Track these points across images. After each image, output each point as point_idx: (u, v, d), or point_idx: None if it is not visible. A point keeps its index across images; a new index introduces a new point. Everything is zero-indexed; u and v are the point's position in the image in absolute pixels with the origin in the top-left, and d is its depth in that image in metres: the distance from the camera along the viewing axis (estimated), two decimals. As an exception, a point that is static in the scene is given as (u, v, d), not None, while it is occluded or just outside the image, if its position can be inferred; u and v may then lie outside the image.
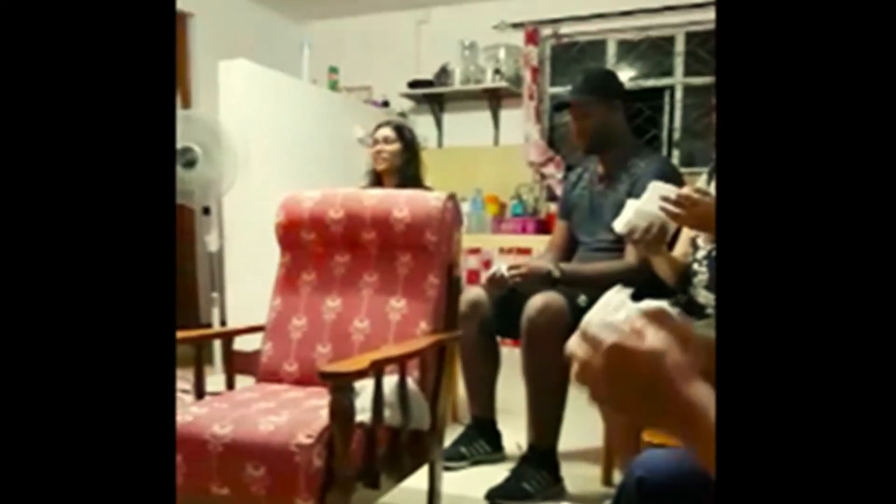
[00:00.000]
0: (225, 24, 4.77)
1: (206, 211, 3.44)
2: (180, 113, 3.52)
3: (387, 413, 1.55)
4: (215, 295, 3.50)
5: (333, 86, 4.95)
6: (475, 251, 4.55)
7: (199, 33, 4.65)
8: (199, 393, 1.85)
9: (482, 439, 2.44)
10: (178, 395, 1.90)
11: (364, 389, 1.49)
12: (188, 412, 1.47)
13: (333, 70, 5.00)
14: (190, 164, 3.20)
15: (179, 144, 3.19)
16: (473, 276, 4.52)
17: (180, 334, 1.90)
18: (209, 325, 3.48)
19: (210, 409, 1.52)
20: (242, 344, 2.03)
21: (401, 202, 1.93)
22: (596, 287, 2.13)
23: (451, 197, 1.96)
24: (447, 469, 2.16)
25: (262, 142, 3.70)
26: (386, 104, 5.10)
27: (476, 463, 2.40)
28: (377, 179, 2.93)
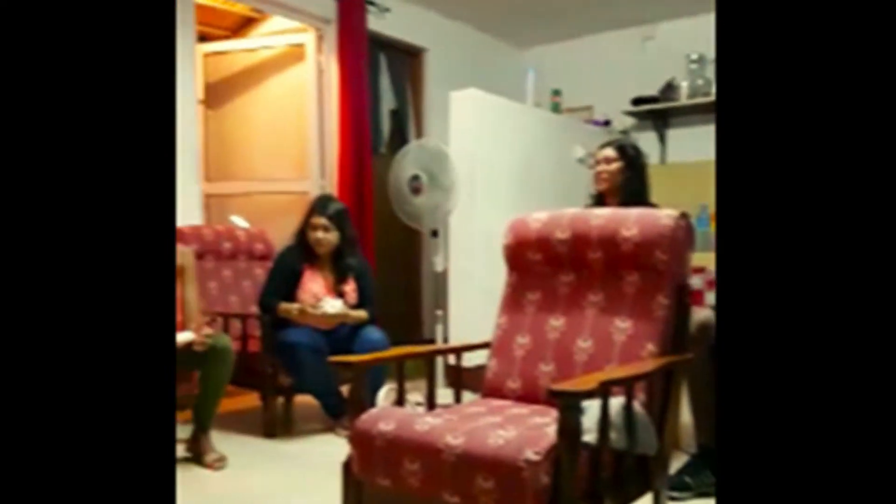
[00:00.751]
0: (455, 56, 5.02)
1: (435, 233, 3.63)
2: (413, 143, 3.77)
3: (612, 435, 1.53)
4: (439, 312, 3.68)
5: (556, 108, 5.02)
6: (699, 270, 4.33)
7: (432, 66, 4.93)
8: (431, 404, 1.96)
9: (709, 470, 2.31)
10: (414, 406, 2.03)
11: (589, 409, 1.49)
12: (425, 422, 1.56)
13: (556, 92, 5.06)
14: (417, 190, 3.42)
15: (409, 172, 3.42)
16: (697, 297, 4.31)
17: (414, 349, 2.04)
18: (433, 341, 3.66)
19: (443, 420, 1.60)
20: (464, 360, 2.12)
21: (629, 221, 1.91)
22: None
23: (684, 215, 1.90)
24: (671, 499, 2.08)
25: (488, 166, 3.84)
26: (607, 123, 5.06)
27: (701, 495, 2.27)
28: (601, 199, 2.92)
